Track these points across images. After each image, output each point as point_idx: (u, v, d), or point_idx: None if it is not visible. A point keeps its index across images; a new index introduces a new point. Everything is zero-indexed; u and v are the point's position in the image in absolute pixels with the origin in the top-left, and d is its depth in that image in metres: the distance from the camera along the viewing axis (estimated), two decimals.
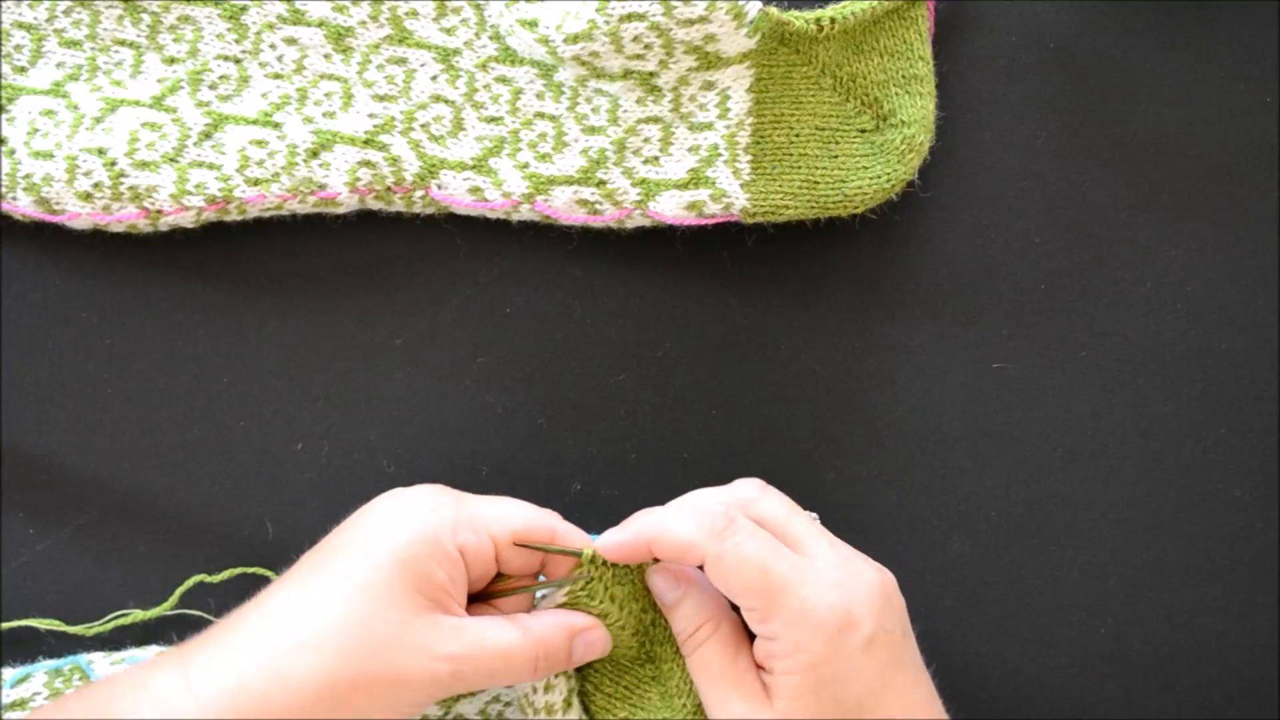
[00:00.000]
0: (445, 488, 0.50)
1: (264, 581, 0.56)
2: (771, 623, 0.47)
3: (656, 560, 0.51)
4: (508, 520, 0.49)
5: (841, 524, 0.59)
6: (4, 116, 0.55)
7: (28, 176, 0.54)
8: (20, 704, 0.54)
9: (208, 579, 0.56)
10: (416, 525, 0.46)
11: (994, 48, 0.60)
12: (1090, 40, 0.60)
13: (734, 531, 0.48)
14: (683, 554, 0.48)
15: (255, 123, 0.56)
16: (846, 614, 0.47)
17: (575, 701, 0.51)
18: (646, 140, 0.56)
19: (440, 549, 0.46)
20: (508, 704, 0.55)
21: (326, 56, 0.56)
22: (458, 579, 0.47)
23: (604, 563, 0.50)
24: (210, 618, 0.56)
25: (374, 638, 0.44)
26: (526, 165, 0.56)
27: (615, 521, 0.57)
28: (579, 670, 0.52)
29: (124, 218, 0.55)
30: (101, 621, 0.56)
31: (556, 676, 0.51)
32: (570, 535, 0.50)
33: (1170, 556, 0.60)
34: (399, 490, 0.49)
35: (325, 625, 0.44)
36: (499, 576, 0.50)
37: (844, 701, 0.47)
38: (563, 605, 0.50)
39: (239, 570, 0.57)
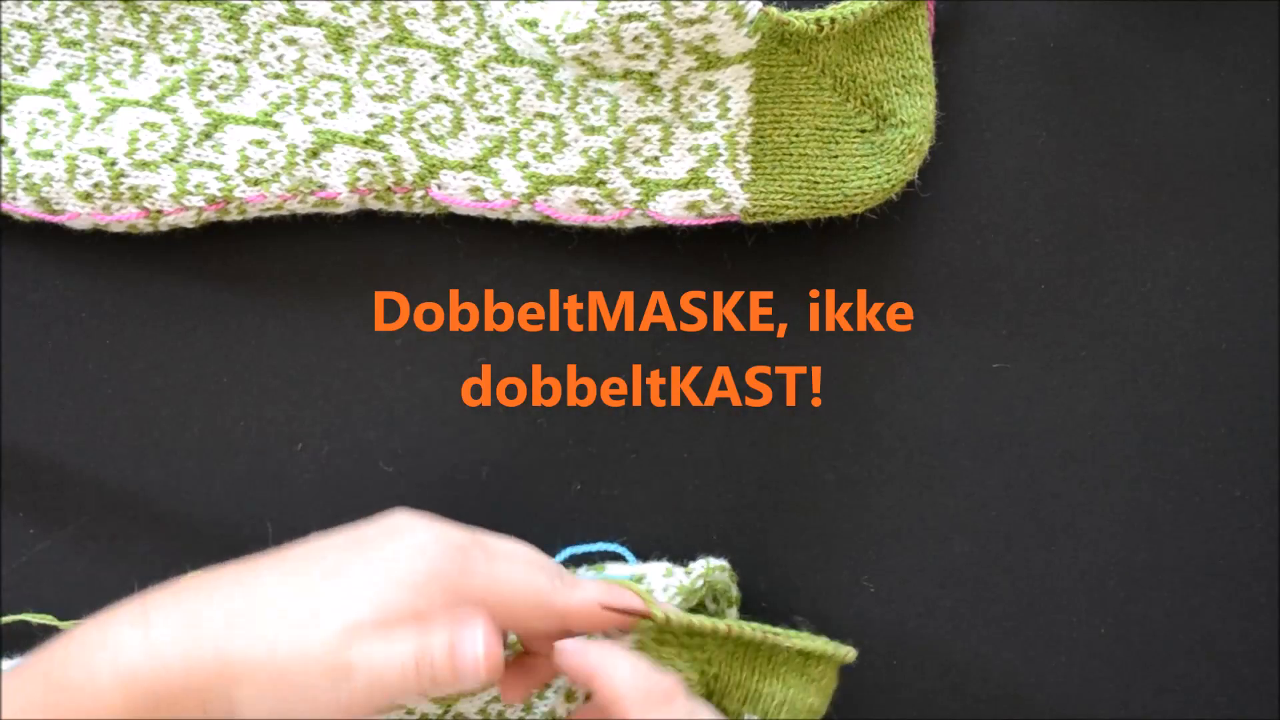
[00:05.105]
0: (455, 535, 0.47)
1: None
2: None
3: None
4: (513, 601, 0.47)
5: (842, 524, 0.59)
6: (4, 116, 0.55)
7: (28, 176, 0.54)
8: None
9: None
10: (418, 570, 0.45)
11: (994, 48, 0.60)
12: (1090, 40, 0.60)
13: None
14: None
15: (255, 123, 0.56)
16: None
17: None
18: (646, 140, 0.56)
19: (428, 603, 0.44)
20: (508, 704, 0.55)
21: (326, 56, 0.56)
22: None
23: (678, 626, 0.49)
24: None
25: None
26: (526, 165, 0.56)
27: (615, 521, 0.58)
28: None
29: (124, 218, 0.55)
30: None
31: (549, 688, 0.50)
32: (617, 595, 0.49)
33: (1170, 556, 0.60)
34: (413, 522, 0.47)
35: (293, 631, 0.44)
36: None
37: None
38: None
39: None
